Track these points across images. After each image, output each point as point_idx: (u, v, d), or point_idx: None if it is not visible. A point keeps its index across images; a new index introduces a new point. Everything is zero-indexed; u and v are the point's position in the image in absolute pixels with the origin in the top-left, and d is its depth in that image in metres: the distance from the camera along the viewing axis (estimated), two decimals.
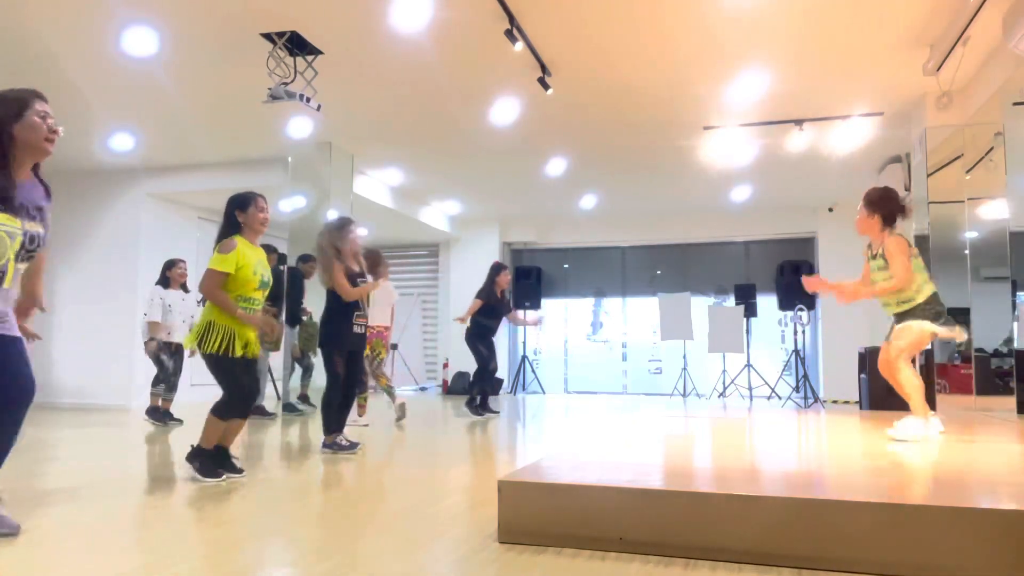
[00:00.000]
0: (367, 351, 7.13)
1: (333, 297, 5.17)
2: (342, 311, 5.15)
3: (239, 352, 3.99)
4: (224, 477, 3.96)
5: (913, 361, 5.08)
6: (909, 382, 4.23)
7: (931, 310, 4.13)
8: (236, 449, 4.32)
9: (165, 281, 7.10)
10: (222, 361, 3.95)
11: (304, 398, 8.27)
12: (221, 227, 4.12)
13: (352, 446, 5.03)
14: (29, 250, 2.78)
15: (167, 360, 7.02)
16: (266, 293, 4.19)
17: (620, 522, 2.59)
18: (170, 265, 7.17)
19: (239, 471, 4.15)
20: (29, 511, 3.11)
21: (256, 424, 6.99)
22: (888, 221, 4.26)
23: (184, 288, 7.19)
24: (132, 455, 5.41)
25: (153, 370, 7.09)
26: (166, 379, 7.01)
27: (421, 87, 6.83)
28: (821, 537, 2.39)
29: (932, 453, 3.91)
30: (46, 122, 2.83)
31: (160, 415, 6.93)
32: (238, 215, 4.10)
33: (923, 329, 4.12)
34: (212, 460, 4.00)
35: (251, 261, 4.02)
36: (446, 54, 6.10)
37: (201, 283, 4.00)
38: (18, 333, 2.80)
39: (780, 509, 2.46)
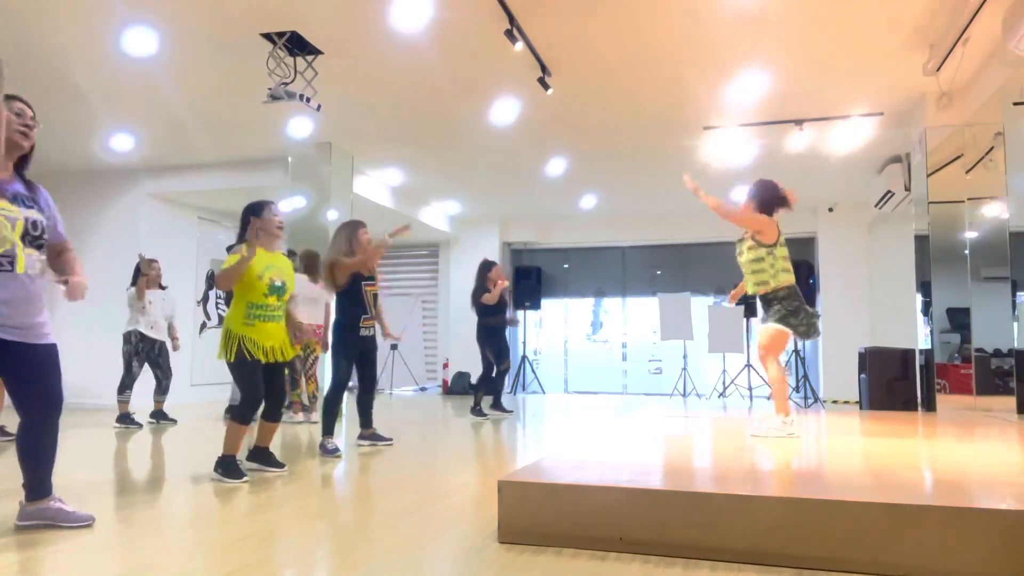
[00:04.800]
0: (298, 350, 7.19)
1: (342, 302, 5.23)
2: (350, 316, 5.20)
3: (258, 356, 4.06)
4: (246, 478, 4.01)
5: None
6: (773, 380, 4.49)
7: (785, 308, 4.38)
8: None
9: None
10: (239, 366, 4.05)
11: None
12: (238, 235, 4.26)
13: (336, 450, 5.05)
14: (35, 236, 2.88)
15: (136, 366, 6.99)
16: (284, 299, 4.21)
17: (620, 522, 2.59)
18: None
19: (281, 465, 4.35)
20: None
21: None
22: (764, 209, 4.58)
23: (160, 286, 7.17)
24: (132, 455, 5.41)
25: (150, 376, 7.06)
26: (131, 383, 6.97)
27: (421, 87, 6.83)
28: (821, 537, 2.39)
29: (929, 453, 3.91)
30: (18, 118, 2.88)
31: (132, 420, 6.87)
32: (254, 221, 4.21)
33: (777, 329, 4.40)
34: (235, 463, 4.06)
35: (257, 266, 4.05)
36: (446, 54, 6.10)
37: (216, 284, 4.10)
38: (51, 340, 2.88)
39: (780, 509, 2.46)
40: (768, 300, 4.46)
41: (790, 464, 3.51)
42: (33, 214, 2.88)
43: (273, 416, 4.29)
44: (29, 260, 2.84)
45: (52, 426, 2.90)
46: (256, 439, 4.36)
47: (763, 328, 4.50)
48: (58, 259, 3.10)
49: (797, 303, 4.38)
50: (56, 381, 2.91)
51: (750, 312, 11.19)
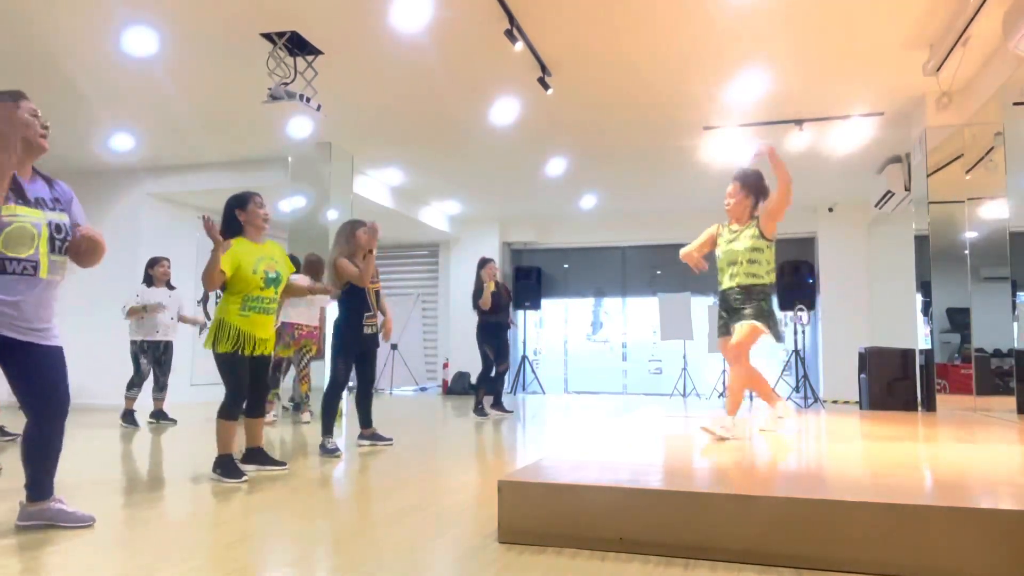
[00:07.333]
0: (291, 351, 7.17)
1: (344, 300, 5.23)
2: (355, 314, 5.20)
3: (248, 351, 4.05)
4: (245, 477, 4.01)
5: None
6: (748, 377, 4.40)
7: (764, 306, 4.31)
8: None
9: (148, 280, 7.10)
10: (229, 360, 4.02)
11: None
12: (221, 228, 4.04)
13: (335, 450, 5.04)
14: (59, 239, 2.87)
15: (145, 363, 7.01)
16: (279, 290, 4.20)
17: (620, 522, 2.59)
18: (153, 263, 7.15)
19: (282, 464, 4.37)
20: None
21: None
22: (757, 200, 4.57)
23: (169, 286, 7.17)
24: (132, 455, 5.41)
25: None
26: (140, 382, 7.00)
27: (421, 87, 6.83)
28: (821, 537, 2.39)
29: (929, 453, 3.91)
30: (37, 119, 2.87)
31: (133, 419, 6.89)
32: (239, 214, 4.16)
33: (753, 326, 4.29)
34: (233, 462, 4.06)
35: (249, 260, 4.04)
36: (446, 54, 6.10)
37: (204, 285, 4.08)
38: (59, 343, 2.88)
39: (780, 509, 2.46)
40: (752, 294, 4.31)
41: (790, 464, 3.51)
42: (56, 216, 2.89)
43: (257, 411, 4.28)
44: (53, 266, 2.86)
45: (58, 428, 2.91)
46: (246, 440, 4.35)
47: (739, 326, 4.30)
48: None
49: (770, 309, 4.32)
50: (63, 383, 2.92)
51: None
